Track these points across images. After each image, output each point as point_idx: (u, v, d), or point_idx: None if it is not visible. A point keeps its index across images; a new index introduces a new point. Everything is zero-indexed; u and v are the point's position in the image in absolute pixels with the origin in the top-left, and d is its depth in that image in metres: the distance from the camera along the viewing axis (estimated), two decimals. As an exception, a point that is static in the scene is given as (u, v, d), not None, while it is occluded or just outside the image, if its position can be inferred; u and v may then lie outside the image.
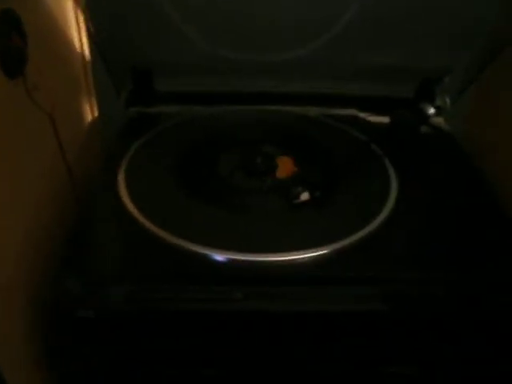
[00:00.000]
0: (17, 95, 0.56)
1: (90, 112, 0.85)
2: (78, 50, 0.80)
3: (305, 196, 0.65)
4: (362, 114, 0.87)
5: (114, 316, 0.55)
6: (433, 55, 0.82)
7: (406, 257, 0.58)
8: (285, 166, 0.72)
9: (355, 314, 0.56)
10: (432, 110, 0.82)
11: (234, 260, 0.55)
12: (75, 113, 0.80)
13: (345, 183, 0.68)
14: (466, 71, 0.85)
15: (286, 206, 0.65)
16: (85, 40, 0.81)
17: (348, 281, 0.55)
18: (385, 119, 0.83)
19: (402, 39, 0.79)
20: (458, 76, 0.86)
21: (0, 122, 0.52)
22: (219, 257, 0.55)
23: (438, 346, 0.58)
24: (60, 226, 0.67)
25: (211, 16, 0.76)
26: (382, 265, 0.57)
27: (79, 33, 0.79)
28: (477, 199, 0.69)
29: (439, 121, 0.86)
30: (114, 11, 0.75)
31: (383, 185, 0.67)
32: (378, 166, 0.71)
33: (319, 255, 0.56)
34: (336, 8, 0.75)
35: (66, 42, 0.76)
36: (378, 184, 0.68)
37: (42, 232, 0.63)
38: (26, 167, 0.59)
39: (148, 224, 0.59)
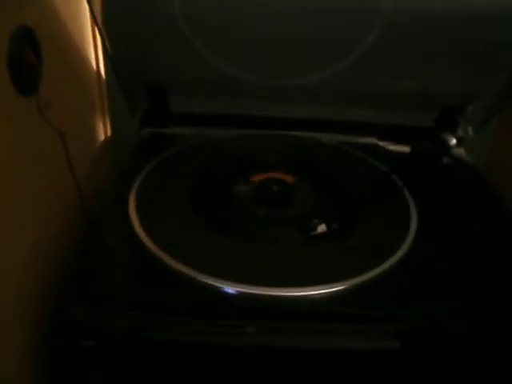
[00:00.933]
0: (29, 112, 0.55)
1: (102, 130, 0.85)
2: (94, 67, 0.80)
3: (322, 228, 0.63)
4: (381, 143, 0.85)
5: (118, 346, 0.53)
6: (456, 83, 0.81)
7: (425, 293, 0.56)
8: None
9: (370, 352, 0.54)
10: (454, 141, 0.80)
11: (245, 293, 0.53)
12: (88, 130, 0.79)
13: (363, 215, 0.66)
14: (489, 101, 0.83)
15: (303, 237, 0.63)
16: (101, 58, 0.81)
17: (364, 318, 0.53)
18: (405, 148, 0.82)
19: (423, 65, 0.78)
20: (481, 106, 0.84)
21: (11, 139, 0.51)
22: (230, 289, 0.53)
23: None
24: (68, 247, 0.66)
25: (228, 37, 0.75)
26: (399, 302, 0.55)
27: (96, 50, 0.79)
28: (498, 232, 0.67)
29: (460, 151, 0.84)
30: (131, 29, 0.74)
31: (403, 218, 0.65)
32: (398, 198, 0.69)
33: (335, 291, 0.54)
34: (355, 33, 0.74)
35: (82, 60, 0.75)
36: (397, 217, 0.66)
37: (48, 253, 0.61)
38: (34, 183, 0.58)
39: (157, 251, 0.57)
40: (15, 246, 0.53)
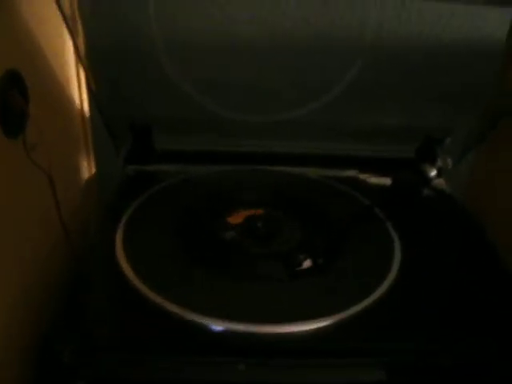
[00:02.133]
0: (15, 154, 0.56)
1: (87, 170, 0.85)
2: (78, 106, 0.80)
3: (307, 263, 0.64)
4: (362, 176, 0.86)
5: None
6: (434, 116, 0.83)
7: (411, 326, 0.56)
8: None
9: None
10: (434, 172, 0.82)
11: (232, 330, 0.53)
12: (73, 171, 0.79)
13: (348, 249, 0.67)
14: (468, 133, 0.85)
15: (288, 273, 0.63)
16: (85, 96, 0.81)
17: (351, 352, 0.54)
18: (386, 180, 0.83)
19: (402, 100, 0.80)
20: (459, 137, 0.86)
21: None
22: (218, 327, 0.53)
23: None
24: (54, 286, 0.65)
25: (212, 77, 0.76)
26: (385, 335, 0.55)
27: (79, 89, 0.79)
28: (481, 262, 0.68)
29: (440, 182, 0.85)
30: (116, 67, 0.75)
31: (386, 251, 0.66)
32: (381, 231, 0.70)
33: (321, 327, 0.54)
34: (336, 70, 0.76)
35: (67, 100, 0.76)
36: (381, 250, 0.67)
37: (35, 290, 0.61)
38: (21, 223, 0.57)
39: (144, 290, 0.57)
40: (2, 285, 0.53)
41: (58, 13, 0.64)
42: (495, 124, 0.78)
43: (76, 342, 0.52)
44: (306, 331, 0.54)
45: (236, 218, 0.72)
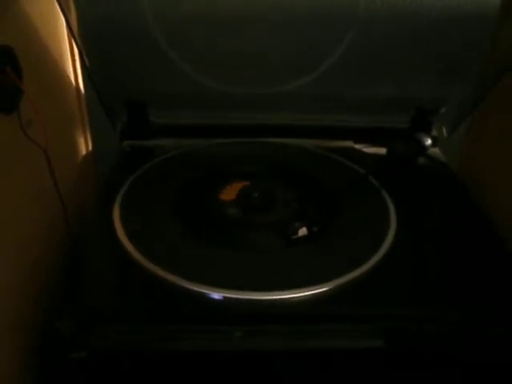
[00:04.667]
0: (11, 130, 0.56)
1: (84, 145, 0.85)
2: (73, 83, 0.80)
3: (303, 231, 0.64)
4: (358, 146, 0.87)
5: (107, 356, 0.53)
6: (428, 86, 0.83)
7: (406, 293, 0.57)
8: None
9: (355, 352, 0.55)
10: (429, 141, 0.82)
11: (231, 299, 0.54)
12: (69, 147, 0.80)
13: (343, 217, 0.67)
14: (461, 102, 0.85)
15: (284, 241, 0.64)
16: (79, 73, 0.81)
17: (347, 318, 0.54)
18: (382, 150, 0.83)
19: (396, 70, 0.80)
20: (454, 107, 0.86)
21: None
22: (216, 295, 0.54)
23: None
24: (53, 262, 0.66)
25: (204, 50, 0.76)
26: (381, 301, 0.56)
27: (74, 66, 0.79)
28: (473, 231, 0.68)
29: (435, 151, 0.86)
30: (108, 44, 0.75)
31: (382, 218, 0.67)
32: (376, 199, 0.71)
33: (318, 293, 0.55)
34: (329, 41, 0.76)
35: (61, 77, 0.76)
36: (376, 217, 0.67)
37: (34, 267, 0.62)
38: (18, 199, 0.58)
39: (143, 261, 0.57)
40: (1, 262, 0.53)
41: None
42: (491, 86, 0.78)
43: (75, 314, 0.53)
44: (303, 297, 0.54)
45: (232, 190, 0.72)
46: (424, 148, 0.82)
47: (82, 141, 0.84)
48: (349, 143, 0.87)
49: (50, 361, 0.54)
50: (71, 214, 0.70)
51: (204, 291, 0.54)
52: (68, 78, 0.78)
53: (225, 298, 0.54)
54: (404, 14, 0.73)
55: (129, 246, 0.60)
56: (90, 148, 0.88)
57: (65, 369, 0.53)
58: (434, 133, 0.88)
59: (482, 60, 0.78)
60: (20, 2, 0.59)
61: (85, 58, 0.74)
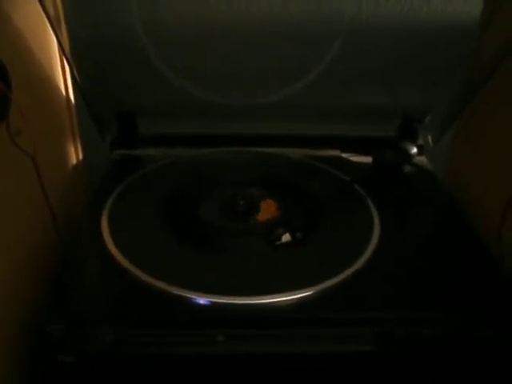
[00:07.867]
0: (0, 139, 0.56)
1: (74, 155, 0.86)
2: (63, 94, 0.81)
3: (286, 237, 0.65)
4: (344, 155, 0.88)
5: (94, 360, 0.54)
6: (413, 95, 0.84)
7: (390, 296, 0.58)
8: (268, 209, 0.72)
9: (339, 355, 0.55)
10: (414, 150, 0.83)
11: (216, 303, 0.55)
12: (59, 156, 0.80)
13: (327, 223, 0.68)
14: (446, 111, 0.86)
15: (268, 247, 0.65)
16: (70, 84, 0.82)
17: (332, 322, 0.55)
18: (368, 159, 0.84)
19: (381, 80, 0.81)
20: (439, 115, 0.87)
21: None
22: (201, 300, 0.55)
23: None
24: (43, 268, 0.67)
25: (193, 61, 0.77)
26: (365, 305, 0.57)
27: (64, 77, 0.80)
28: (458, 237, 0.69)
29: (422, 160, 0.87)
30: (98, 57, 0.76)
31: (366, 225, 0.67)
32: (361, 206, 0.72)
33: (302, 297, 0.56)
34: (315, 52, 0.77)
35: (52, 87, 0.76)
36: (361, 224, 0.68)
37: (25, 272, 0.62)
38: (8, 208, 0.58)
39: (130, 267, 0.58)
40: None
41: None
42: (473, 95, 0.79)
43: (63, 319, 0.53)
44: (287, 302, 0.55)
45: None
46: (409, 156, 0.83)
47: (72, 150, 0.84)
48: (336, 152, 0.88)
49: (41, 363, 0.54)
50: (61, 220, 0.70)
51: (190, 296, 0.55)
52: (59, 89, 0.79)
53: (211, 302, 0.55)
54: (389, 25, 0.74)
55: (116, 253, 0.61)
56: (81, 157, 0.88)
57: (54, 372, 0.54)
58: (421, 141, 0.89)
59: (466, 69, 0.79)
60: (9, 16, 0.60)
61: (75, 71, 0.75)
